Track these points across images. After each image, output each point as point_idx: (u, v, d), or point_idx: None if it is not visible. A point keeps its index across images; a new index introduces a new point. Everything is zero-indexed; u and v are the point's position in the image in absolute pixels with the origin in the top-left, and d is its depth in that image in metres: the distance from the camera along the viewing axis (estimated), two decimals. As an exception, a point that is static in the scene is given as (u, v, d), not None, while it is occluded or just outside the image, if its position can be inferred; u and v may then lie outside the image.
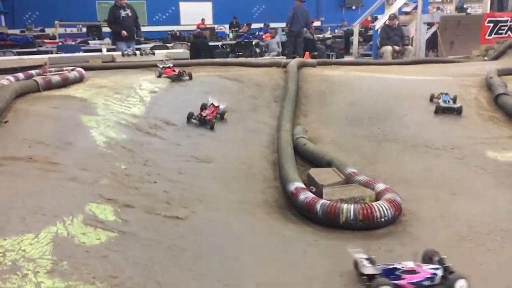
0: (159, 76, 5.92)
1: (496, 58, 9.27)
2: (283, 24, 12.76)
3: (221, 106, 5.04)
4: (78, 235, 2.33)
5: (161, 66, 6.07)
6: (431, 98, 5.57)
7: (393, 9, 12.03)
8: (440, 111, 5.30)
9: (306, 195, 3.26)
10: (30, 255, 2.04)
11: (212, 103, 4.97)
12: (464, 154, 4.31)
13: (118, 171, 3.34)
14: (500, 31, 11.50)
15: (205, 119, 4.74)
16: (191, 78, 5.87)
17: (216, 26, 19.11)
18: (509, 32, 11.51)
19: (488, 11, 12.52)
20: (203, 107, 4.90)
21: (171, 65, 6.19)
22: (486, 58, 9.56)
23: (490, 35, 11.44)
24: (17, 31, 15.76)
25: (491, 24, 11.48)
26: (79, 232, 2.36)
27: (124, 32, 9.47)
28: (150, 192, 3.17)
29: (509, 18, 11.57)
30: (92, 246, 2.28)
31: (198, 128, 4.69)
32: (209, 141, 4.54)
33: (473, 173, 3.97)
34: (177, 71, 5.90)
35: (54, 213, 2.47)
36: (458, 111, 5.26)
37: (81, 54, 9.83)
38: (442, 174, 3.97)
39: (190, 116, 4.72)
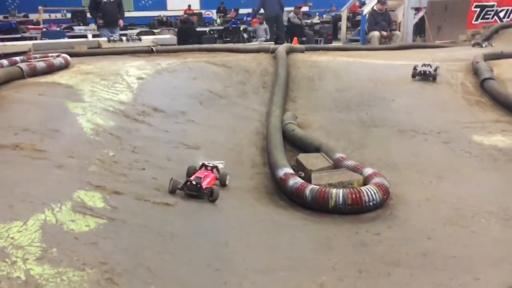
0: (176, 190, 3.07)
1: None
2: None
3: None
4: (67, 222, 2.32)
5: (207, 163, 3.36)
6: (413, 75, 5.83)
7: (381, -6, 11.98)
8: (416, 74, 5.74)
9: (295, 181, 3.27)
10: (19, 243, 2.03)
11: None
12: (451, 138, 4.36)
13: (106, 158, 3.31)
14: (486, 16, 11.55)
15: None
16: (213, 200, 3.04)
17: (203, 11, 18.90)
18: (495, 17, 11.57)
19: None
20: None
21: (212, 164, 3.39)
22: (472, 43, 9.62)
23: (476, 20, 11.49)
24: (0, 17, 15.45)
25: (478, 9, 11.52)
26: (68, 219, 2.34)
27: (100, 22, 9.49)
28: (138, 179, 3.16)
29: (495, 3, 11.62)
30: (81, 233, 2.27)
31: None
32: (198, 127, 4.52)
33: (459, 157, 4.03)
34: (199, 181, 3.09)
35: (42, 200, 2.45)
36: (433, 77, 5.69)
37: (66, 40, 9.69)
38: (429, 158, 4.02)
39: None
